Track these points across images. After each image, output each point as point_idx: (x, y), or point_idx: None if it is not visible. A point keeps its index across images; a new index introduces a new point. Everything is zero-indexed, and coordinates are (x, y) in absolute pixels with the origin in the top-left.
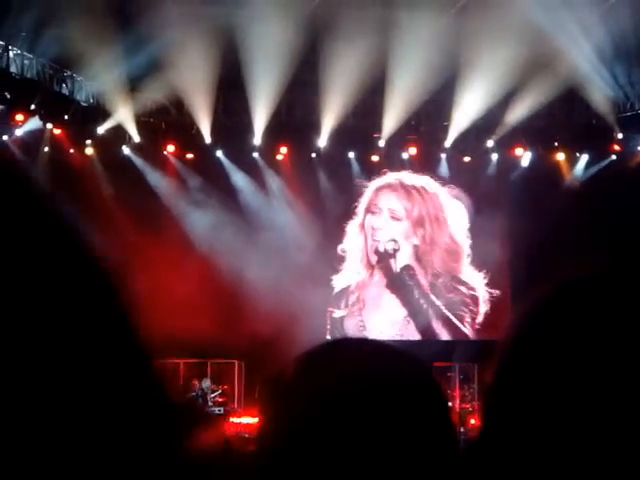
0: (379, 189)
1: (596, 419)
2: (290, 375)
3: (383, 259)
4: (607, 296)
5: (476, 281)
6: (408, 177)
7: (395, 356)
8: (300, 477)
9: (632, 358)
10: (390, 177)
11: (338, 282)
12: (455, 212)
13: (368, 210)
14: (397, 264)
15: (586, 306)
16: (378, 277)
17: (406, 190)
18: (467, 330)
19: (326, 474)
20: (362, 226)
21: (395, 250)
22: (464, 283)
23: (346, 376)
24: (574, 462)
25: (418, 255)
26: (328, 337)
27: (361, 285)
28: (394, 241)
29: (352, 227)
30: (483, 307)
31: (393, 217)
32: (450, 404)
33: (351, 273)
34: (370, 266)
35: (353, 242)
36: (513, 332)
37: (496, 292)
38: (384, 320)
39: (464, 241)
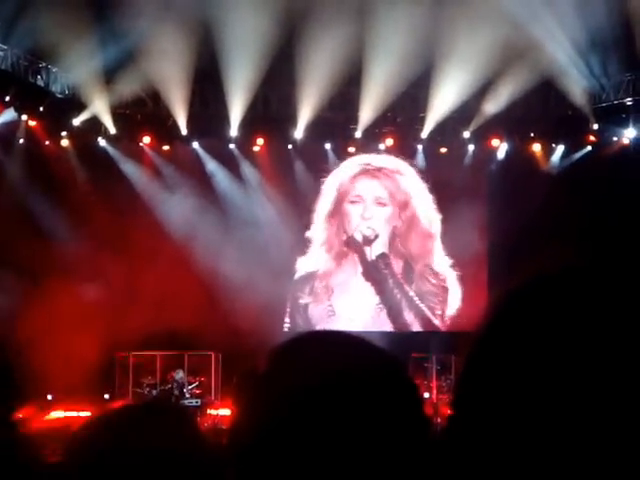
0: (354, 177)
1: (565, 409)
2: (263, 368)
3: (358, 247)
4: (578, 289)
5: (447, 271)
6: (377, 159)
7: (367, 349)
8: (271, 470)
9: (602, 349)
10: (358, 162)
11: (302, 266)
12: (426, 194)
13: (344, 199)
14: (373, 252)
15: (556, 299)
16: (350, 265)
17: (384, 174)
18: (438, 322)
19: (297, 467)
20: (333, 215)
21: (373, 238)
22: (436, 273)
23: (318, 369)
24: (543, 450)
25: (395, 241)
26: (287, 323)
27: (328, 273)
28: (373, 229)
29: (320, 216)
30: (453, 299)
31: (379, 203)
32: (426, 395)
33: (316, 261)
34: (341, 255)
35: (320, 231)
36: (485, 323)
37: (467, 284)
38: (354, 307)
39: (436, 225)
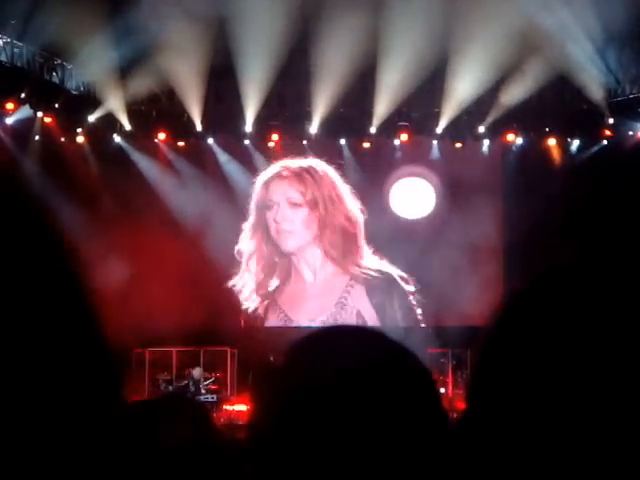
0: (267, 182)
1: (574, 404)
2: (281, 363)
3: (285, 254)
4: (587, 285)
5: (376, 266)
6: (292, 162)
7: (385, 343)
8: (290, 464)
9: (608, 347)
10: (274, 168)
11: (240, 284)
12: (347, 190)
13: (262, 207)
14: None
15: (566, 294)
16: (286, 272)
17: (295, 174)
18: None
19: (315, 461)
20: (257, 225)
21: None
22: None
23: (335, 364)
24: (554, 445)
25: (317, 241)
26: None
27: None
28: (290, 231)
29: (246, 229)
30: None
31: (293, 204)
32: (442, 390)
33: (249, 274)
34: (273, 264)
35: (248, 245)
36: (495, 319)
37: (482, 278)
38: (312, 310)
39: (360, 221)
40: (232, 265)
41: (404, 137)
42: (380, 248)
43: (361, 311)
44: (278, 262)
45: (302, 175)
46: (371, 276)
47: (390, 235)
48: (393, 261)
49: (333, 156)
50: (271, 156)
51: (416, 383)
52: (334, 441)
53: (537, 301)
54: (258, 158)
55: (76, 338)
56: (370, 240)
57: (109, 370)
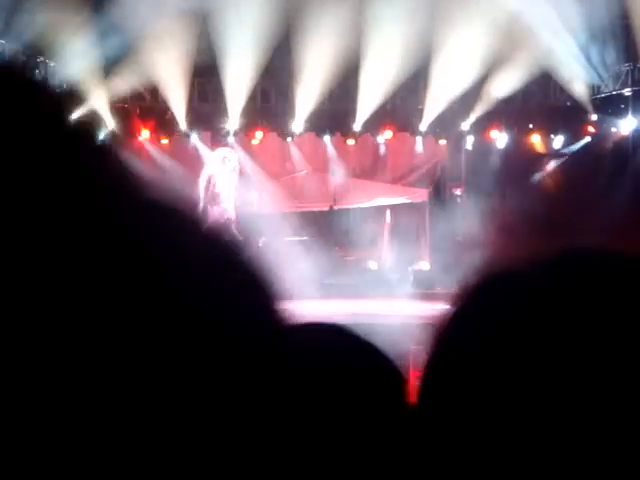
0: None
1: (526, 404)
2: None
3: None
4: (550, 281)
5: None
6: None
7: (356, 343)
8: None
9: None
10: None
11: None
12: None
13: None
14: None
15: (525, 291)
16: None
17: None
18: None
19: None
20: None
21: None
22: None
23: (304, 363)
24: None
25: None
26: None
27: None
28: None
29: None
30: None
31: None
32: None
33: None
34: None
35: None
36: (450, 312)
37: None
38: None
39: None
40: None
41: (388, 134)
42: None
43: None
44: None
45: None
46: None
47: None
48: None
49: (318, 152)
50: (255, 153)
51: (382, 384)
52: (295, 436)
53: (492, 295)
54: (242, 155)
55: None
56: None
57: None
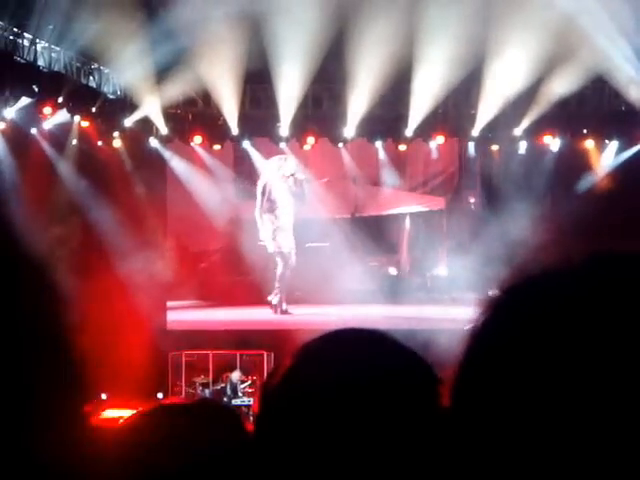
0: None
1: (562, 407)
2: (286, 367)
3: None
4: (585, 289)
5: None
6: None
7: (389, 347)
8: (289, 464)
9: (599, 350)
10: None
11: None
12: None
13: None
14: None
15: (561, 297)
16: None
17: None
18: None
19: (314, 462)
20: None
21: None
22: None
23: (340, 368)
24: (538, 445)
25: None
26: None
27: None
28: None
29: None
30: None
31: None
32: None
33: None
34: None
35: None
36: (485, 314)
37: None
38: None
39: None
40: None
41: (440, 139)
42: None
43: None
44: None
45: None
46: None
47: None
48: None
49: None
50: (307, 159)
51: (416, 386)
52: (332, 445)
53: (528, 300)
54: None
55: None
56: None
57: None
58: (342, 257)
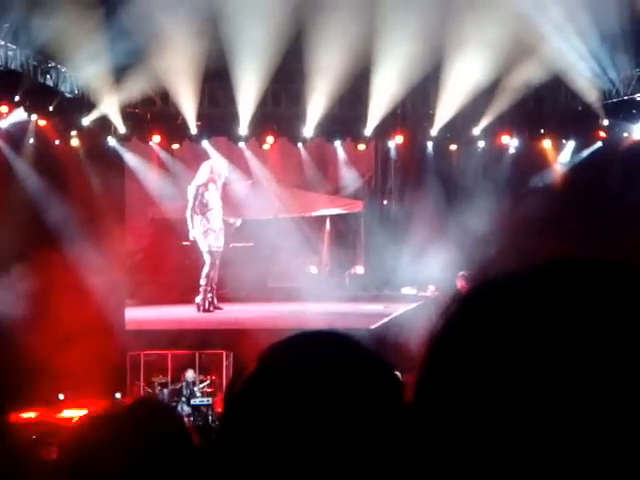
0: None
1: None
2: (251, 370)
3: None
4: (551, 287)
5: None
6: None
7: (354, 351)
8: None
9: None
10: None
11: None
12: None
13: None
14: None
15: (526, 296)
16: None
17: None
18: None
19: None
20: None
21: None
22: None
23: (304, 370)
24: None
25: None
26: None
27: None
28: None
29: None
30: None
31: None
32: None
33: None
34: None
35: None
36: (450, 313)
37: None
38: None
39: None
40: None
41: (399, 139)
42: None
43: None
44: None
45: None
46: None
47: None
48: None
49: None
50: (266, 158)
51: (377, 382)
52: (300, 447)
53: (493, 301)
54: (252, 160)
55: None
56: None
57: None
58: (266, 256)
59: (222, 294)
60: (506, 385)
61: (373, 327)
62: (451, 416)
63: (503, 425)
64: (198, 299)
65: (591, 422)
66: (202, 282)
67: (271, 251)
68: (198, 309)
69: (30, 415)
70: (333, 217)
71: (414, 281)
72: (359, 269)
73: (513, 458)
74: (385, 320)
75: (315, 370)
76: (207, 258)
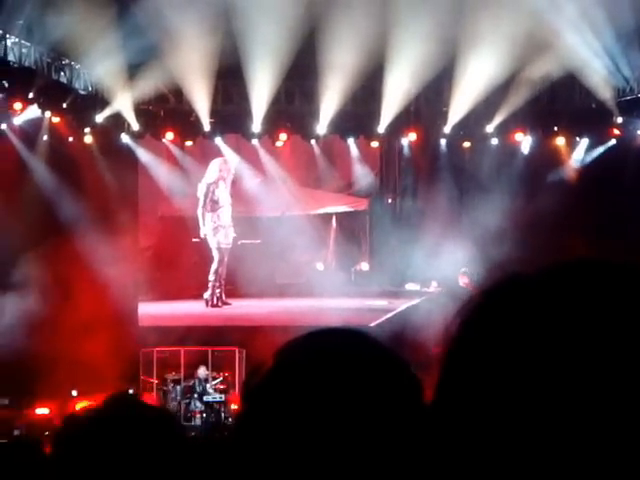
0: None
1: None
2: (270, 364)
3: None
4: (562, 287)
5: None
6: None
7: (373, 349)
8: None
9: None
10: None
11: None
12: None
13: None
14: None
15: (543, 297)
16: None
17: None
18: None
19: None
20: None
21: None
22: None
23: (322, 367)
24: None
25: None
26: None
27: None
28: None
29: None
30: None
31: None
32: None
33: None
34: None
35: None
36: (468, 314)
37: None
38: None
39: None
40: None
41: (412, 136)
42: None
43: None
44: None
45: None
46: None
47: None
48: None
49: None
50: (279, 155)
51: (397, 382)
52: (317, 441)
53: (512, 302)
54: (266, 157)
55: None
56: None
57: None
58: (274, 253)
59: (231, 290)
60: (526, 386)
61: (372, 324)
62: (473, 417)
63: (526, 426)
64: (206, 295)
65: (613, 421)
66: (210, 278)
67: (279, 248)
68: (206, 304)
69: (44, 411)
70: (339, 214)
71: (423, 277)
72: (364, 265)
73: (538, 460)
74: (389, 315)
75: (334, 367)
76: (216, 254)
